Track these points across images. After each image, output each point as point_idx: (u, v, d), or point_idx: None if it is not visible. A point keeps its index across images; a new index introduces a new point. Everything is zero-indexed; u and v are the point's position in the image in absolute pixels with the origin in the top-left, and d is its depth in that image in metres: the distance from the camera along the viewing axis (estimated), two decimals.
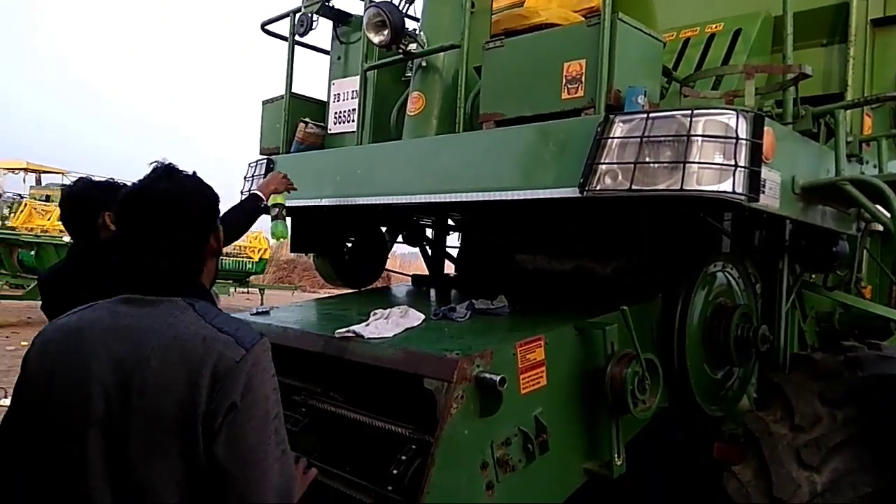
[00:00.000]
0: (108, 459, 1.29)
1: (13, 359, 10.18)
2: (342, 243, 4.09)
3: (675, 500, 3.29)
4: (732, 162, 2.04)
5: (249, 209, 2.87)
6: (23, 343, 11.43)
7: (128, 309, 1.38)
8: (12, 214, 17.41)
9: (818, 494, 2.40)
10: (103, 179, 2.62)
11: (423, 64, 3.02)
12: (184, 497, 1.28)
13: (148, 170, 1.46)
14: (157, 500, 1.27)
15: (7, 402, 5.88)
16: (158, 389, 1.27)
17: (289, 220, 3.19)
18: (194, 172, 1.51)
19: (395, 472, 2.06)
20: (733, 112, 2.09)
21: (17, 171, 21.07)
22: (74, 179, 2.71)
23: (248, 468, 1.28)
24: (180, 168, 1.48)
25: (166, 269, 1.40)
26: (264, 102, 3.79)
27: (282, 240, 3.07)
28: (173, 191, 1.41)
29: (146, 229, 1.39)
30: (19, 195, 19.88)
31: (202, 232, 1.45)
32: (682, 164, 2.02)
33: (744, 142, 2.06)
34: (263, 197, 2.92)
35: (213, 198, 1.50)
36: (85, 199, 2.53)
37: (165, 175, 1.43)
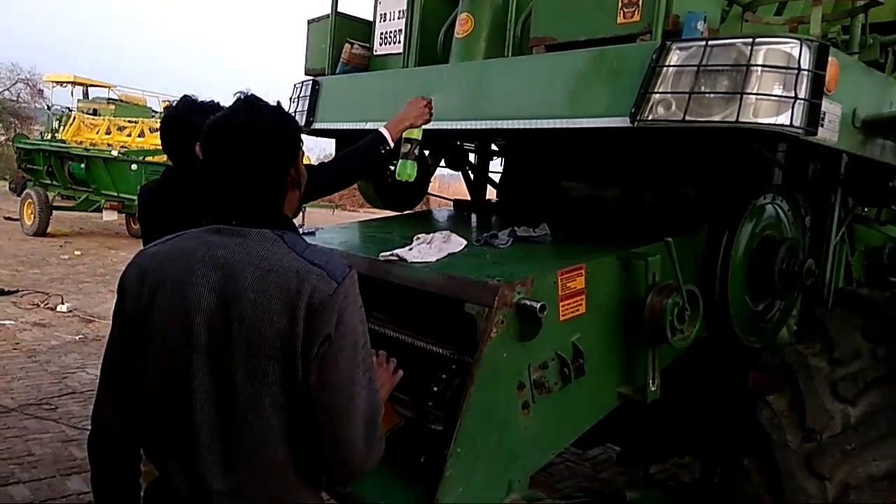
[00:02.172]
0: (212, 383, 1.38)
1: (68, 267, 10.64)
2: (385, 166, 4.10)
3: (705, 425, 3.35)
4: (792, 94, 1.97)
5: (368, 153, 2.53)
6: (76, 252, 11.90)
7: (219, 239, 1.43)
8: (62, 127, 17.72)
9: (851, 427, 2.43)
10: (206, 101, 2.46)
11: None
12: (283, 418, 1.37)
13: (231, 101, 1.49)
14: (260, 419, 1.37)
15: (64, 307, 6.21)
16: (257, 320, 1.34)
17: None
18: (278, 103, 1.53)
19: (435, 389, 2.14)
20: (797, 41, 2.01)
21: (64, 84, 21.29)
22: (177, 99, 2.57)
23: (338, 396, 1.36)
24: (261, 99, 1.49)
25: (248, 198, 1.45)
26: (310, 22, 3.74)
27: (407, 181, 2.68)
28: (252, 122, 1.43)
29: (227, 160, 1.43)
30: (68, 108, 20.16)
31: (281, 162, 1.47)
32: (739, 95, 1.96)
33: (806, 73, 1.98)
34: (390, 139, 2.53)
35: (292, 128, 1.51)
36: (182, 123, 2.41)
37: (245, 107, 1.46)
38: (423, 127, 2.72)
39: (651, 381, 2.40)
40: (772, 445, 2.49)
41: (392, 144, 2.53)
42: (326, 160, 2.98)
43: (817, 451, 2.42)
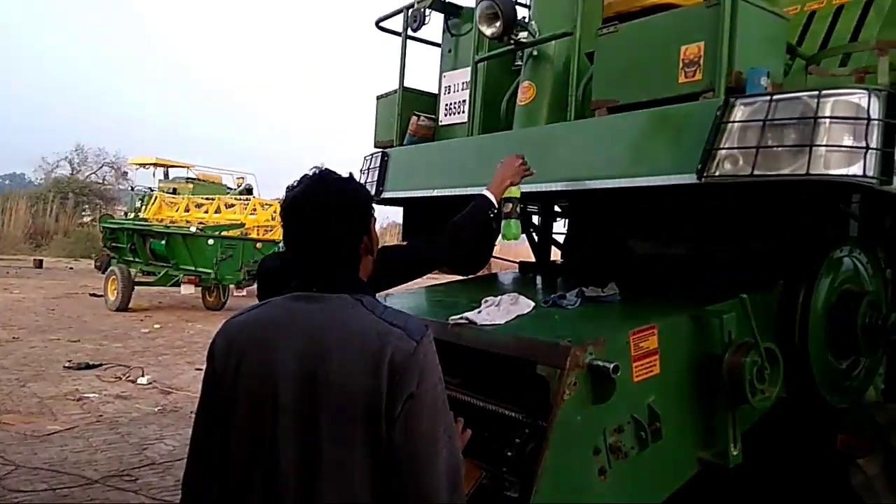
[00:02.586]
0: (297, 445, 1.41)
1: (147, 340, 11.03)
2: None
3: (792, 491, 3.18)
4: (863, 144, 1.95)
5: (477, 219, 2.44)
6: (155, 326, 12.34)
7: (300, 305, 1.50)
8: (144, 207, 18.75)
9: None
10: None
11: (534, 53, 3.04)
12: (369, 479, 1.39)
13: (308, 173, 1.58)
14: (347, 481, 1.39)
15: (144, 380, 6.42)
16: (342, 381, 1.39)
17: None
18: (350, 174, 1.62)
19: (509, 454, 2.12)
20: (864, 91, 2.00)
21: (147, 167, 22.68)
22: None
23: (421, 453, 1.39)
24: (334, 172, 1.58)
25: (324, 266, 1.52)
26: (378, 97, 3.93)
27: (513, 241, 2.61)
28: (323, 194, 1.51)
29: (302, 231, 1.52)
30: (150, 188, 21.37)
31: (353, 232, 1.54)
32: (808, 148, 1.95)
33: (876, 122, 1.96)
34: (495, 201, 2.46)
35: (362, 199, 1.58)
36: None
37: (317, 181, 1.54)
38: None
39: (732, 445, 2.32)
40: None
41: (497, 206, 2.49)
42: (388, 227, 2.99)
43: None
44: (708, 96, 2.25)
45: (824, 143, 1.96)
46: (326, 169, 1.59)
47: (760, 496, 3.16)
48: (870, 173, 1.96)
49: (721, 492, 3.05)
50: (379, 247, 1.72)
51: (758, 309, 2.33)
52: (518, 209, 2.55)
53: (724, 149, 2.11)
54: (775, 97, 2.08)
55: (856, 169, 1.96)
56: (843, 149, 1.96)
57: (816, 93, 2.00)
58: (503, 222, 2.55)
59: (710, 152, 2.14)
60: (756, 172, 2.04)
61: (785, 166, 2.00)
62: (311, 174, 1.57)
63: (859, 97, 1.99)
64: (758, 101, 2.10)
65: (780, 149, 2.02)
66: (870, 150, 1.95)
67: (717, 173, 2.12)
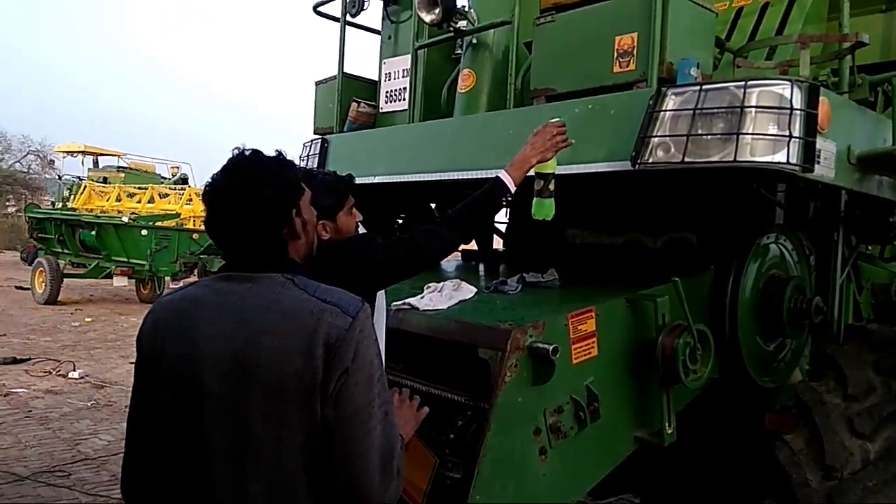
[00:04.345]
0: (224, 428, 1.37)
1: (78, 334, 10.65)
2: (393, 220, 4.17)
3: (724, 469, 3.31)
4: (787, 133, 2.04)
5: (488, 206, 2.17)
6: (87, 319, 11.92)
7: (229, 286, 1.45)
8: (72, 196, 18.03)
9: (871, 462, 2.41)
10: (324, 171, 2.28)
11: (474, 41, 3.06)
12: (304, 461, 1.36)
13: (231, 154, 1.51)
14: (279, 463, 1.36)
15: (76, 374, 6.16)
16: (275, 363, 1.35)
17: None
18: (279, 153, 1.55)
19: (452, 436, 2.14)
20: (788, 82, 2.09)
21: (75, 154, 21.77)
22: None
23: (353, 429, 1.36)
24: (257, 153, 1.51)
25: (247, 252, 1.47)
26: (317, 83, 3.88)
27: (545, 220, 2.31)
28: (235, 186, 1.46)
29: (217, 222, 1.47)
30: (78, 178, 20.55)
31: (270, 222, 1.48)
32: (735, 136, 2.04)
33: (798, 112, 2.06)
34: (511, 185, 2.12)
35: (285, 182, 1.51)
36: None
37: (230, 168, 1.48)
38: (413, 179, 2.72)
39: (667, 424, 2.40)
40: (792, 485, 2.47)
41: (514, 190, 2.14)
42: None
43: (839, 489, 2.40)
44: (641, 86, 2.32)
45: (750, 131, 2.04)
46: (251, 151, 1.51)
47: (695, 476, 3.29)
48: (793, 160, 2.05)
49: (658, 472, 3.16)
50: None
51: (690, 293, 2.41)
52: (552, 186, 2.24)
53: (656, 137, 2.18)
54: (704, 87, 2.16)
55: (780, 156, 2.05)
56: (767, 137, 2.05)
57: (743, 83, 2.09)
58: (534, 200, 2.29)
59: (643, 140, 2.20)
60: (687, 159, 2.12)
61: (714, 153, 2.08)
62: (230, 158, 1.50)
63: (783, 88, 2.08)
64: (688, 91, 2.18)
65: (709, 137, 2.10)
66: (793, 139, 2.05)
67: (650, 160, 2.19)
